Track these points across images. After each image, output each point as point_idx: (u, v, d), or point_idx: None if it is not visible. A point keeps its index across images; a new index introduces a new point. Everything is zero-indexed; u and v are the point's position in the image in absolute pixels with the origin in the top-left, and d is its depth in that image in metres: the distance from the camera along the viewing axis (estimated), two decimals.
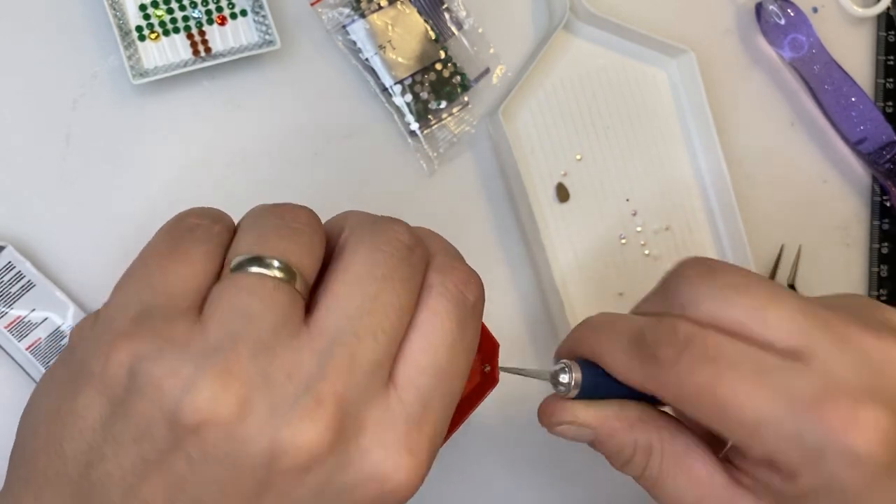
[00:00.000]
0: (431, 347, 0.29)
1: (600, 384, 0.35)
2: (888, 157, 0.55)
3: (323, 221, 0.32)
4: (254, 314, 0.27)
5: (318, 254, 0.29)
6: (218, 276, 0.29)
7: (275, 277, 0.28)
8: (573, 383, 0.35)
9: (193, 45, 0.45)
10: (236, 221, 0.32)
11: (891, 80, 0.56)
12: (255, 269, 0.28)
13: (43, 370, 0.42)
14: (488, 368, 0.35)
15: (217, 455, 0.26)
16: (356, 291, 0.28)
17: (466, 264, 0.31)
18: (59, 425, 0.28)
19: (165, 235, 0.30)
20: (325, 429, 0.26)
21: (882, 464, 0.29)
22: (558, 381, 0.35)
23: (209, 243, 0.29)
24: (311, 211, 0.30)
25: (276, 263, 0.28)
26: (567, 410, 0.35)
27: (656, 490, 0.34)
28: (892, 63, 0.56)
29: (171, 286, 0.28)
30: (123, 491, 0.27)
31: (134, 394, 0.26)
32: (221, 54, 0.45)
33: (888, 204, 0.56)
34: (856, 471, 0.29)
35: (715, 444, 0.35)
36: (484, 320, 0.33)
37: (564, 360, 0.35)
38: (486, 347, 0.35)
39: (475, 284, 0.31)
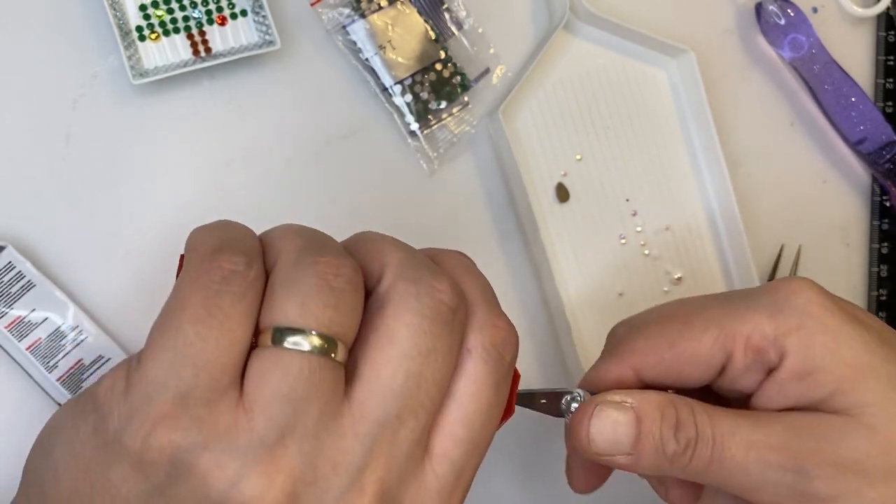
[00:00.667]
0: (468, 419, 0.29)
1: None
2: (888, 157, 0.55)
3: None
4: (299, 401, 0.26)
5: (359, 313, 0.28)
6: (255, 334, 0.28)
7: (318, 354, 0.27)
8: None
9: (193, 45, 0.45)
10: (235, 223, 0.31)
11: (891, 80, 0.56)
12: (297, 346, 0.27)
13: (43, 370, 0.42)
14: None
15: None
16: (400, 369, 0.27)
17: (505, 317, 0.30)
18: (88, 486, 0.27)
19: (199, 286, 0.27)
20: None
21: None
22: (570, 409, 0.34)
23: (246, 299, 0.27)
24: (352, 264, 0.29)
25: (318, 339, 0.27)
26: (599, 395, 0.34)
27: (712, 470, 0.33)
28: (891, 63, 0.56)
29: (212, 361, 0.27)
30: None
31: (176, 482, 0.26)
32: (221, 54, 0.45)
33: (888, 204, 0.56)
34: (814, 302, 0.34)
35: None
36: None
37: (577, 389, 0.35)
38: None
39: (513, 344, 0.30)
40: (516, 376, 0.34)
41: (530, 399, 0.35)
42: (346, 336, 0.27)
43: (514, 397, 0.33)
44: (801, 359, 0.33)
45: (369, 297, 0.29)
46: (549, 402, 0.35)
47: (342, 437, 0.27)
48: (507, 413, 0.33)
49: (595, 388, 0.36)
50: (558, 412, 0.35)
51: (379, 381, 0.27)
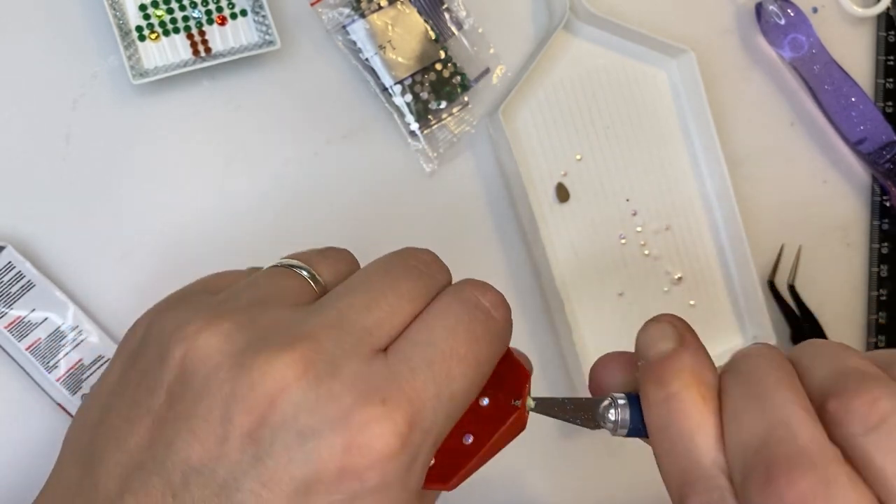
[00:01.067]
0: (428, 327, 0.29)
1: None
2: (888, 157, 0.55)
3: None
4: (262, 284, 0.31)
5: (340, 269, 0.32)
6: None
7: (294, 272, 0.31)
8: (620, 422, 0.30)
9: (193, 45, 0.45)
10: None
11: (891, 80, 0.56)
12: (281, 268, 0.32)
13: (43, 370, 0.42)
14: (518, 403, 0.31)
15: (195, 384, 0.28)
16: (372, 276, 0.30)
17: (498, 291, 0.31)
18: (120, 392, 0.31)
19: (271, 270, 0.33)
20: (293, 363, 0.27)
21: None
22: (606, 417, 0.31)
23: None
24: (349, 252, 0.34)
25: (306, 271, 0.32)
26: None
27: None
28: (891, 63, 0.56)
29: (212, 281, 0.35)
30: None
31: (143, 344, 0.30)
32: (221, 54, 0.45)
33: (888, 204, 0.56)
34: None
35: None
36: None
37: (613, 395, 0.31)
38: (516, 380, 0.32)
39: (497, 300, 0.30)
40: (525, 375, 0.32)
41: (554, 407, 0.32)
42: (325, 276, 0.32)
43: (525, 404, 0.31)
44: None
45: None
46: (576, 409, 0.32)
47: (294, 313, 0.29)
48: (518, 423, 0.31)
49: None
50: (591, 421, 0.32)
51: (344, 285, 0.30)
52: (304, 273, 0.31)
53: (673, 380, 0.28)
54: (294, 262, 0.32)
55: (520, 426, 0.31)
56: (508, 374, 0.31)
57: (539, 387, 0.51)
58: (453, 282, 0.32)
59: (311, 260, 0.32)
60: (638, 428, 0.31)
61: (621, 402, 0.31)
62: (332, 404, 0.26)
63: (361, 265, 0.33)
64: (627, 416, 0.30)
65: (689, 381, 0.28)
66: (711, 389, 0.28)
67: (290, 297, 0.30)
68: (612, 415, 0.30)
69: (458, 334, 0.29)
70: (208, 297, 0.31)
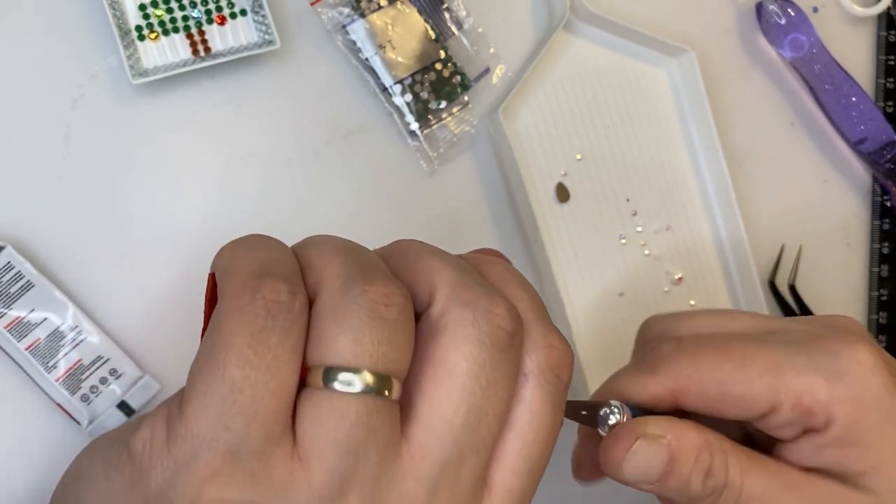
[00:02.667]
0: (528, 450, 0.27)
1: None
2: (888, 156, 0.54)
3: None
4: (358, 448, 0.25)
5: (412, 344, 0.26)
6: (302, 372, 0.26)
7: (374, 396, 0.25)
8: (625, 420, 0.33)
9: (193, 44, 0.45)
10: (269, 238, 0.30)
11: (891, 79, 0.56)
12: (350, 386, 0.25)
13: (42, 370, 0.42)
14: None
15: None
16: (462, 406, 0.26)
17: (559, 335, 0.29)
18: None
19: (242, 323, 0.25)
20: None
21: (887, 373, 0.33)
22: (606, 423, 0.33)
23: (293, 333, 0.25)
24: (403, 291, 0.27)
25: (373, 377, 0.25)
26: (639, 424, 0.33)
27: (743, 497, 0.33)
28: (892, 63, 0.56)
29: (263, 409, 0.25)
30: None
31: None
32: (221, 54, 0.45)
33: (889, 204, 0.56)
34: (875, 377, 0.33)
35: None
36: None
37: (613, 402, 0.34)
38: None
39: (569, 364, 0.29)
40: None
41: (571, 410, 0.34)
42: (400, 372, 0.26)
43: None
44: (847, 429, 0.33)
45: (418, 321, 0.27)
46: (588, 413, 0.34)
47: (403, 482, 0.25)
48: None
49: (629, 399, 0.35)
50: (594, 423, 0.34)
51: (438, 419, 0.26)
52: (380, 386, 0.25)
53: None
54: (363, 369, 0.25)
55: None
56: None
57: None
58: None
59: (375, 353, 0.25)
60: None
61: (618, 408, 0.33)
62: None
63: None
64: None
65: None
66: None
67: (388, 452, 0.25)
68: (611, 420, 0.33)
69: (552, 441, 0.28)
70: (288, 469, 0.25)
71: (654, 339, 0.37)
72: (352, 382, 0.25)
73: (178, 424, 0.25)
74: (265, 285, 0.25)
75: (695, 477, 0.33)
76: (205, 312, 0.29)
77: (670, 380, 0.35)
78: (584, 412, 0.34)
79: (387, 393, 0.25)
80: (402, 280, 0.27)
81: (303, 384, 0.26)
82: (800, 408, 0.33)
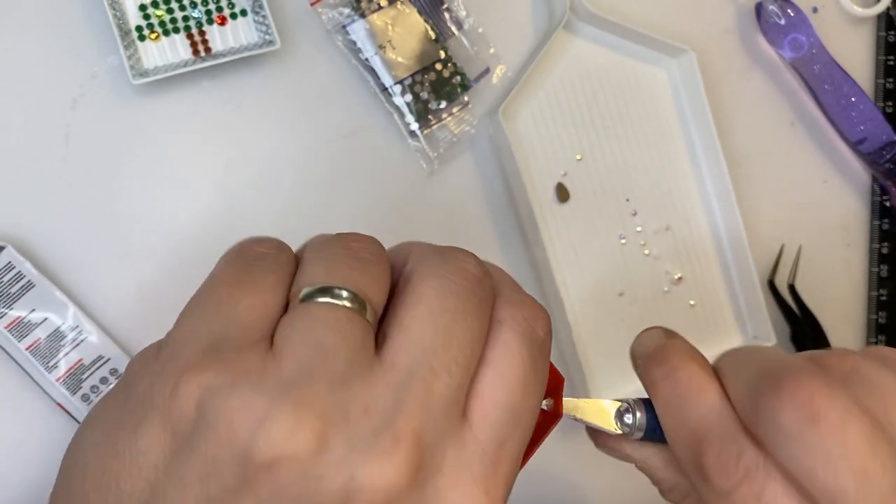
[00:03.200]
0: (505, 383, 0.28)
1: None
2: (888, 157, 0.55)
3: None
4: (329, 346, 0.26)
5: (386, 284, 0.28)
6: (286, 307, 0.28)
7: (346, 308, 0.27)
8: (637, 425, 0.32)
9: (193, 44, 0.45)
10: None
11: (891, 80, 0.56)
12: (325, 300, 0.27)
13: (42, 370, 0.42)
14: (551, 403, 0.32)
15: (290, 494, 0.24)
16: (428, 324, 0.27)
17: (534, 299, 0.30)
18: (116, 462, 0.26)
19: (232, 263, 0.29)
20: (403, 467, 0.25)
21: None
22: (622, 420, 0.32)
23: (278, 272, 0.28)
24: (376, 241, 0.30)
25: (346, 294, 0.27)
26: (621, 447, 0.33)
27: None
28: (892, 63, 0.56)
29: (242, 316, 0.27)
30: None
31: (203, 429, 0.25)
32: (221, 54, 0.45)
33: (888, 204, 0.56)
34: None
35: None
36: None
37: (629, 399, 0.33)
38: (551, 382, 0.32)
39: (544, 319, 0.29)
40: (560, 380, 0.32)
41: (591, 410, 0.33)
42: (373, 300, 0.27)
43: (561, 401, 0.32)
44: None
45: (395, 286, 0.29)
46: (602, 416, 0.33)
47: (373, 385, 0.26)
48: (555, 417, 0.32)
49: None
50: (609, 424, 0.33)
51: (408, 336, 0.27)
52: (353, 304, 0.27)
53: (672, 356, 0.31)
54: (336, 287, 0.27)
55: (555, 419, 0.32)
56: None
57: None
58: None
59: (348, 277, 0.27)
60: (654, 429, 0.32)
61: (635, 405, 0.32)
62: (442, 501, 0.26)
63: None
64: (644, 420, 0.32)
65: (686, 356, 0.31)
66: (705, 360, 0.31)
67: (360, 359, 0.26)
68: (627, 418, 0.32)
69: (531, 388, 0.28)
70: (262, 361, 0.26)
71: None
72: (325, 293, 0.27)
73: (166, 338, 0.28)
74: (255, 243, 0.29)
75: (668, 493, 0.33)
76: None
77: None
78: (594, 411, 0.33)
79: (359, 309, 0.27)
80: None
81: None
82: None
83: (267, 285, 0.28)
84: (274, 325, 0.27)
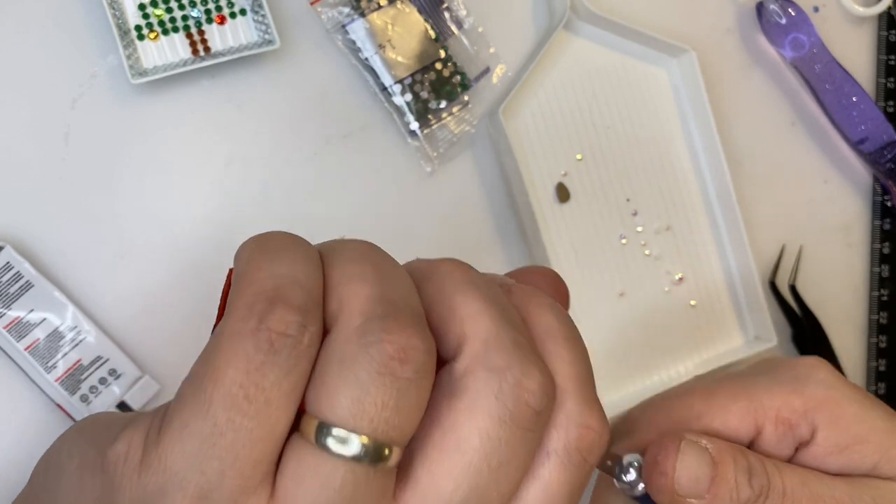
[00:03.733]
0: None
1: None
2: (889, 156, 0.54)
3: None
4: None
5: (424, 406, 0.23)
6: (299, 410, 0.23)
7: (368, 465, 0.22)
8: (641, 487, 0.31)
9: (192, 44, 0.45)
10: (297, 241, 0.26)
11: (892, 79, 0.56)
12: (344, 448, 0.22)
13: (41, 370, 0.42)
14: None
15: None
16: (463, 484, 0.23)
17: (599, 411, 0.25)
18: None
19: (240, 354, 0.23)
20: None
21: None
22: (622, 478, 0.31)
23: (293, 375, 0.23)
24: (425, 345, 0.23)
25: (371, 443, 0.22)
26: (675, 433, 0.32)
27: (788, 494, 0.33)
28: (893, 62, 0.56)
29: (242, 457, 0.22)
30: None
31: None
32: (221, 53, 0.44)
33: (889, 204, 0.56)
34: (834, 376, 0.35)
35: None
36: None
37: (634, 456, 0.31)
38: None
39: (602, 446, 0.25)
40: None
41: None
42: (402, 439, 0.23)
43: None
44: (835, 432, 0.33)
45: (440, 368, 0.24)
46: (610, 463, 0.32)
47: None
48: None
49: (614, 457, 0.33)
50: (609, 471, 0.32)
51: (435, 494, 0.23)
52: (376, 455, 0.23)
53: None
54: (361, 434, 0.22)
55: None
56: None
57: None
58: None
59: (379, 418, 0.22)
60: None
61: (635, 464, 0.31)
62: None
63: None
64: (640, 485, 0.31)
65: None
66: None
67: None
68: (629, 476, 0.31)
69: None
70: None
71: (618, 424, 0.37)
72: (346, 443, 0.22)
73: (153, 451, 0.23)
74: (275, 314, 0.23)
75: (741, 478, 0.32)
76: (219, 307, 0.27)
77: (644, 434, 0.34)
78: (609, 462, 0.31)
79: (382, 461, 0.23)
80: (432, 317, 0.25)
81: (298, 425, 0.23)
82: (782, 423, 0.33)
83: (276, 404, 0.23)
84: (280, 448, 0.23)
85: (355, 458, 0.22)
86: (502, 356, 0.24)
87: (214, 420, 0.22)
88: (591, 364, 0.26)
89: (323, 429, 0.22)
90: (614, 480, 0.31)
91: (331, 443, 0.22)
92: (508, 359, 0.24)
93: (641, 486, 0.31)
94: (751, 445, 0.34)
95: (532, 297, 0.26)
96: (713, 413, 0.33)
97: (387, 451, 0.23)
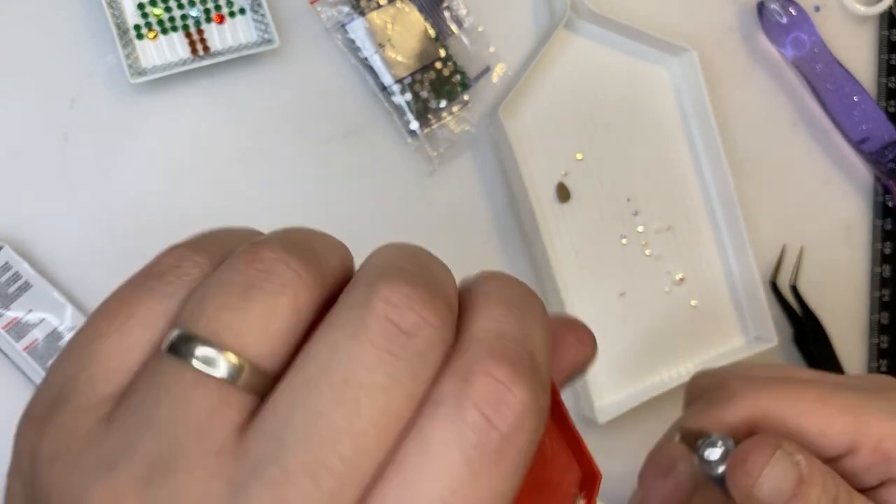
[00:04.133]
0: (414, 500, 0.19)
1: None
2: (890, 156, 0.54)
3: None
4: (168, 422, 0.20)
5: (296, 331, 0.21)
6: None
7: (214, 378, 0.20)
8: (720, 470, 0.30)
9: (192, 43, 0.45)
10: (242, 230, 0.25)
11: (893, 78, 0.56)
12: (189, 361, 0.20)
13: (40, 371, 0.42)
14: (582, 502, 0.24)
15: None
16: (306, 401, 0.19)
17: (525, 375, 0.20)
18: None
19: (130, 282, 0.22)
20: None
21: None
22: (703, 455, 0.30)
23: (169, 297, 0.21)
24: (339, 245, 0.22)
25: (221, 359, 0.20)
26: (775, 437, 0.31)
27: None
28: (894, 62, 0.56)
29: (97, 363, 0.21)
30: None
31: (35, 490, 0.21)
32: (220, 53, 0.44)
33: (890, 204, 0.56)
34: None
35: None
36: None
37: (727, 439, 0.31)
38: (584, 475, 0.24)
39: (518, 410, 0.20)
40: (595, 476, 0.24)
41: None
42: (262, 359, 0.20)
43: (585, 450, 0.24)
44: None
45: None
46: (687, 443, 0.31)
47: (206, 480, 0.19)
48: (592, 479, 0.24)
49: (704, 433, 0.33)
50: (691, 442, 0.31)
51: (273, 414, 0.20)
52: (224, 371, 0.20)
53: None
54: (209, 338, 0.20)
55: (594, 480, 0.24)
56: (561, 467, 0.23)
57: None
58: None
59: (238, 319, 0.20)
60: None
61: (723, 446, 0.30)
62: None
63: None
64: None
65: None
66: None
67: (205, 440, 0.20)
68: (709, 453, 0.30)
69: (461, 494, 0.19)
70: (94, 428, 0.21)
71: (712, 387, 0.35)
72: (192, 356, 0.20)
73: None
74: (176, 250, 0.23)
75: (824, 502, 0.31)
76: None
77: (748, 409, 0.33)
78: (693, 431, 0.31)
79: (234, 381, 0.20)
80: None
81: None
82: (880, 453, 0.32)
83: (142, 318, 0.21)
84: (140, 370, 0.21)
85: (198, 371, 0.20)
86: (384, 276, 0.20)
87: (89, 332, 0.22)
88: (546, 344, 0.21)
89: (172, 338, 0.21)
90: (694, 453, 0.30)
91: (180, 348, 0.20)
92: (389, 277, 0.20)
93: (722, 469, 0.30)
94: (838, 459, 0.33)
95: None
96: (817, 417, 0.33)
97: (239, 372, 0.20)
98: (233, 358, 0.20)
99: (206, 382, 0.20)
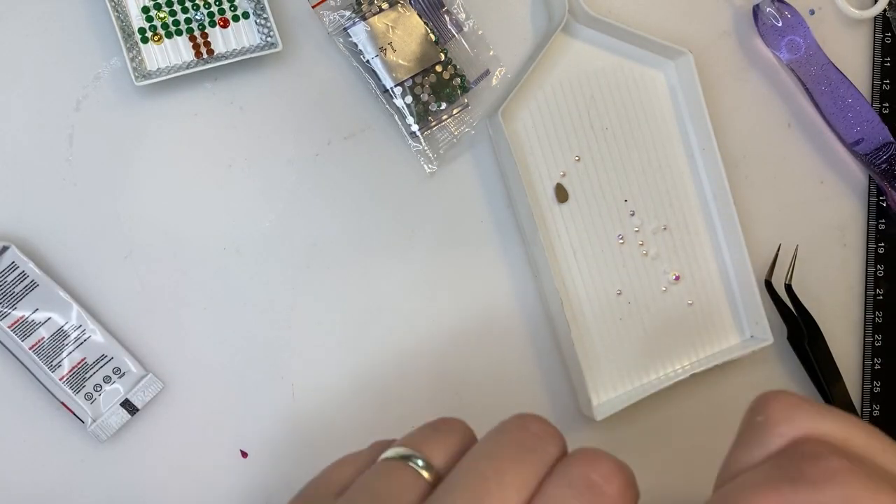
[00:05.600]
0: None
1: None
2: (884, 157, 0.55)
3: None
4: (379, 491, 0.28)
5: (456, 454, 0.30)
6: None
7: (404, 464, 0.29)
8: None
9: (196, 46, 0.45)
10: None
11: (887, 81, 0.56)
12: (390, 457, 0.29)
13: (46, 369, 0.42)
14: None
15: None
16: (465, 475, 0.28)
17: (612, 457, 0.27)
18: None
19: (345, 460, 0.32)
20: None
21: None
22: None
23: (361, 459, 0.31)
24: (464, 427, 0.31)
25: (412, 456, 0.29)
26: None
27: None
28: (888, 65, 0.56)
29: (334, 477, 0.31)
30: None
31: None
32: (223, 56, 0.45)
33: (884, 204, 0.56)
34: None
35: None
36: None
37: None
38: None
39: (610, 470, 0.26)
40: None
41: None
42: (436, 461, 0.29)
43: None
44: None
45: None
46: None
47: None
48: None
49: None
50: None
51: (447, 484, 0.28)
52: (419, 463, 0.29)
53: None
54: (406, 451, 0.30)
55: None
56: None
57: (538, 386, 0.51)
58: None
59: (425, 442, 0.30)
60: None
61: None
62: None
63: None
64: None
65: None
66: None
67: (406, 498, 0.28)
68: None
69: None
70: None
71: (797, 441, 0.30)
72: (395, 458, 0.30)
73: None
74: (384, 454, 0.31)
75: None
76: None
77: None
78: None
79: (415, 465, 0.29)
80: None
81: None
82: None
83: (356, 459, 0.31)
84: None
85: (395, 461, 0.29)
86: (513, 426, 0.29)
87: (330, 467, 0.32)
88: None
89: (384, 456, 0.31)
90: None
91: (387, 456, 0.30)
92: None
93: None
94: None
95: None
96: None
97: (421, 462, 0.29)
98: (429, 461, 0.30)
99: (408, 469, 0.29)
